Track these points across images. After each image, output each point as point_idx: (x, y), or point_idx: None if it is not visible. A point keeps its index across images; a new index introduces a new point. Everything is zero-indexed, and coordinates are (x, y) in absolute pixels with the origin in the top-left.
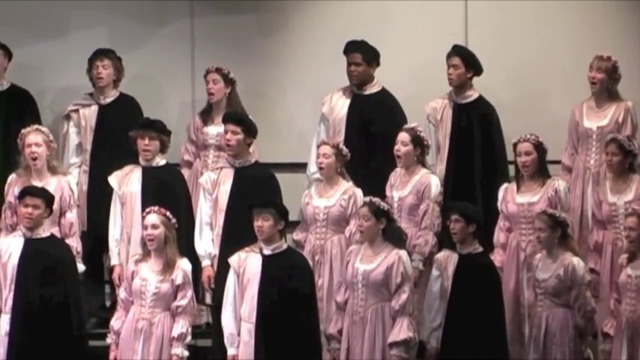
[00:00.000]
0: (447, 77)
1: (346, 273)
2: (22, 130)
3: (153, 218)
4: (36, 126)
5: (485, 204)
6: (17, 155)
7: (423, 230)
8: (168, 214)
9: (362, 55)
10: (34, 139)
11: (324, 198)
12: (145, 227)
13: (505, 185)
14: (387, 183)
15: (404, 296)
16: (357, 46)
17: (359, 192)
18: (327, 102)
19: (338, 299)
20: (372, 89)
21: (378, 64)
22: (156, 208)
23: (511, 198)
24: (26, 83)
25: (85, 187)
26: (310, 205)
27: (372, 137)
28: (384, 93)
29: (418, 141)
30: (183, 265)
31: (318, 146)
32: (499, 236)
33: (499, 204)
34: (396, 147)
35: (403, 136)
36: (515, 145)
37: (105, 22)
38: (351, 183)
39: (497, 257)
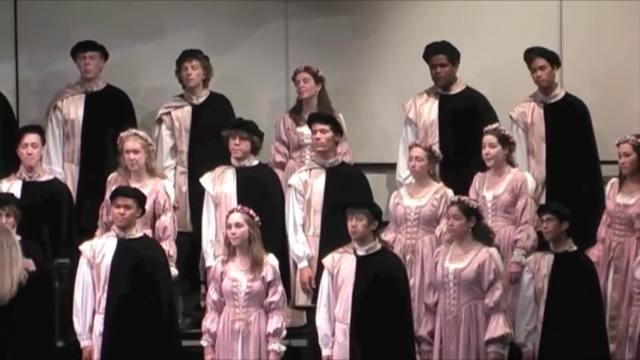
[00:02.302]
0: (536, 81)
1: (435, 274)
2: (121, 134)
3: (236, 217)
4: (134, 131)
5: (583, 202)
6: (117, 156)
7: (523, 225)
8: (251, 212)
9: (446, 55)
10: (132, 145)
11: (415, 198)
12: (228, 226)
13: (613, 180)
14: (471, 187)
15: (497, 293)
16: (440, 47)
17: (450, 192)
18: (411, 107)
19: (428, 301)
20: (457, 88)
21: (459, 62)
22: (239, 207)
23: (612, 195)
24: (120, 84)
25: (184, 189)
26: (401, 205)
27: (467, 136)
28: (470, 90)
29: (505, 140)
30: (272, 261)
31: (410, 148)
32: (601, 231)
33: (606, 198)
34: (485, 150)
35: (490, 139)
36: (617, 146)
37: (199, 24)
38: (441, 183)
39: (594, 252)
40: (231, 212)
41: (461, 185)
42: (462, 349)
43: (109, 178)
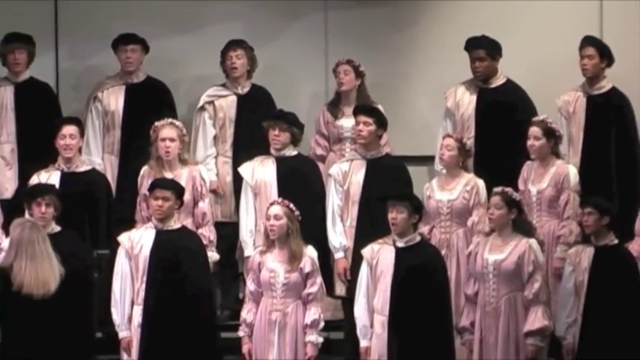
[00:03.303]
0: (582, 68)
1: (475, 264)
2: (156, 123)
3: (276, 209)
4: (170, 120)
5: (620, 196)
6: (150, 147)
7: (566, 220)
8: (291, 206)
9: (485, 50)
10: (168, 133)
11: (445, 191)
12: (267, 218)
13: None
14: (520, 176)
15: (537, 285)
16: (479, 41)
17: (480, 182)
18: (451, 96)
19: (468, 292)
20: (497, 82)
21: (500, 56)
22: (279, 200)
23: None
24: (162, 76)
25: (228, 179)
26: (432, 198)
27: (504, 129)
28: (510, 84)
29: (550, 132)
30: (310, 252)
31: (443, 138)
32: (638, 225)
33: None
34: (529, 142)
35: (535, 130)
36: None
37: (239, 16)
38: (472, 174)
39: (634, 247)
40: (271, 204)
41: (496, 178)
42: (501, 341)
43: (141, 172)
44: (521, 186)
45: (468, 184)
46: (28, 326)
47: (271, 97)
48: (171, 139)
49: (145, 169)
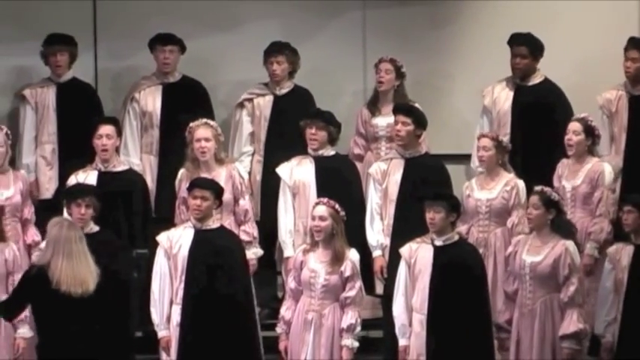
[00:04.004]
0: (625, 69)
1: (514, 263)
2: (191, 124)
3: (321, 210)
4: (205, 120)
5: None
6: (186, 148)
7: (597, 217)
8: (337, 206)
9: (528, 48)
10: (203, 133)
11: (485, 190)
12: (312, 218)
13: None
14: (555, 173)
15: (572, 288)
16: (523, 39)
17: (521, 183)
18: (489, 94)
19: (508, 289)
20: (535, 80)
21: (542, 56)
22: (325, 200)
23: None
24: (199, 76)
25: (258, 177)
26: (472, 197)
27: (539, 127)
28: (547, 83)
29: (590, 131)
30: (352, 255)
31: (478, 139)
32: None
33: None
34: (568, 136)
35: (575, 126)
36: None
37: (277, 14)
38: (512, 174)
39: None
40: (316, 204)
41: (531, 177)
42: (537, 343)
43: (178, 176)
44: (555, 183)
45: (508, 184)
46: (66, 324)
47: (312, 97)
48: (207, 139)
49: (182, 172)
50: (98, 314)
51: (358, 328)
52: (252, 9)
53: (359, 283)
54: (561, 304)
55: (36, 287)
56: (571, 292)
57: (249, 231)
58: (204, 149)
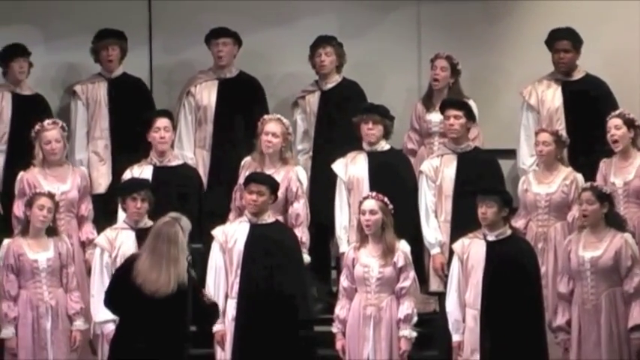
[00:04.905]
0: None
1: (569, 263)
2: (265, 116)
3: (371, 204)
4: (277, 116)
5: None
6: (250, 140)
7: None
8: (386, 200)
9: (571, 42)
10: (272, 127)
11: (544, 184)
12: (362, 212)
13: None
14: (598, 173)
15: (637, 279)
16: (565, 33)
17: (580, 177)
18: (532, 94)
19: (563, 290)
20: (578, 75)
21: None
22: (374, 194)
23: None
24: (254, 70)
25: (308, 173)
26: (530, 192)
27: (589, 121)
28: (591, 77)
29: (630, 123)
30: (403, 247)
31: (537, 134)
32: None
33: None
34: (610, 132)
35: (615, 121)
36: None
37: (332, 10)
38: (570, 168)
39: None
40: (365, 198)
41: (586, 171)
42: (605, 338)
43: (242, 162)
44: (600, 182)
45: (567, 178)
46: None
47: (362, 90)
48: (274, 135)
49: (247, 159)
50: (166, 317)
51: (415, 318)
52: (308, 4)
53: (412, 273)
54: (626, 296)
55: (123, 273)
56: (636, 283)
57: (299, 235)
58: (269, 143)
